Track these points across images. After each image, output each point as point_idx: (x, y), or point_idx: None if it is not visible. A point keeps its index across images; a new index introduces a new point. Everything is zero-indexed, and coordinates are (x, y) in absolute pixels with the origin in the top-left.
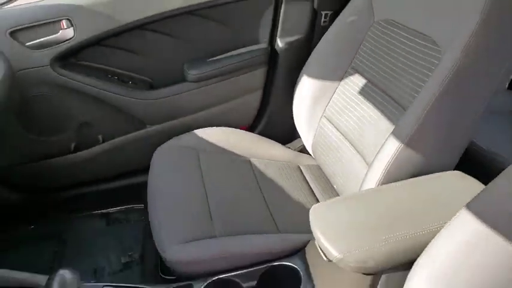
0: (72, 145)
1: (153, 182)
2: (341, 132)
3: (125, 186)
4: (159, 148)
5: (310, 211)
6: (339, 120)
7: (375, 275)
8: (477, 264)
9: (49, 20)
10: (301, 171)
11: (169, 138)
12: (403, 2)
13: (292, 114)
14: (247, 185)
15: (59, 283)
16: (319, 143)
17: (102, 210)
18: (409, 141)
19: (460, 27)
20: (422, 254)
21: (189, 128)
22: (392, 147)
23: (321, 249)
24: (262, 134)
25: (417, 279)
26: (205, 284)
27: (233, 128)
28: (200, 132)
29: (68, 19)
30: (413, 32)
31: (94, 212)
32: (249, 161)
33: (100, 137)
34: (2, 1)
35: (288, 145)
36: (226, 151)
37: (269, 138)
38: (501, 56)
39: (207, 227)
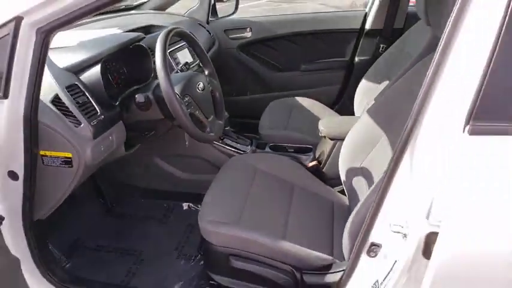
0: (233, 93)
1: (266, 111)
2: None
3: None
4: (273, 101)
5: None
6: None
7: (335, 141)
8: (364, 132)
9: (242, 27)
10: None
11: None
12: (419, 42)
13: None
14: None
15: None
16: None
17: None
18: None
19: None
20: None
21: (293, 96)
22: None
23: (320, 131)
24: (336, 109)
25: (344, 142)
26: (270, 144)
27: (314, 100)
28: (297, 98)
29: (250, 27)
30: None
31: None
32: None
33: (248, 92)
34: (224, 14)
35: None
36: (304, 108)
37: (340, 112)
38: None
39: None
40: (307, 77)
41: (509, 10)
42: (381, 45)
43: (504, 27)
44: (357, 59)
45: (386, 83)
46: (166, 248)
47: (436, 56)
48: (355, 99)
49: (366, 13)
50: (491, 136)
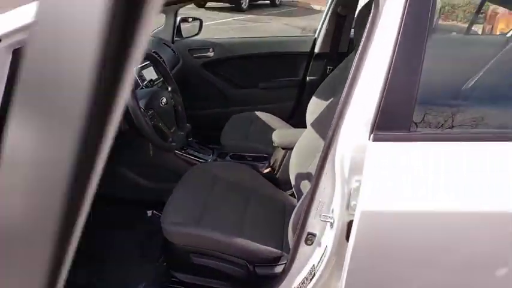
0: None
1: (227, 123)
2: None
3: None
4: (234, 115)
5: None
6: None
7: (286, 150)
8: (309, 141)
9: (205, 47)
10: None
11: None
12: None
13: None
14: None
15: None
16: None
17: None
18: None
19: None
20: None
21: (252, 110)
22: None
23: (273, 141)
24: (291, 122)
25: (293, 151)
26: (231, 154)
27: (271, 115)
28: (257, 112)
29: (212, 48)
30: None
31: None
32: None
33: (227, 105)
34: (188, 35)
35: None
36: (262, 121)
37: (294, 126)
38: None
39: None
40: (265, 93)
41: (397, 45)
42: (328, 67)
43: (394, 59)
44: (308, 78)
45: (331, 99)
46: (130, 252)
47: (349, 77)
48: (306, 113)
49: (315, 38)
50: (389, 142)
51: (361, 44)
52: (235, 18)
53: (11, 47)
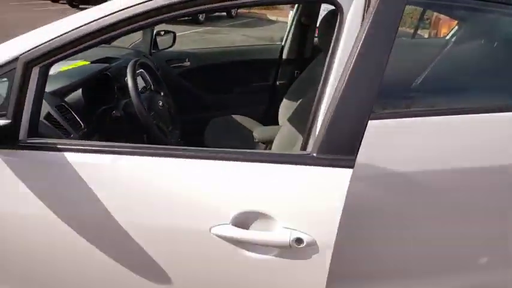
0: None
1: (208, 127)
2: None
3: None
4: (213, 119)
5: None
6: None
7: (267, 145)
8: (286, 135)
9: (181, 57)
10: None
11: None
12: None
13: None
14: None
15: None
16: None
17: None
18: None
19: None
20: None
21: (229, 114)
22: None
23: (255, 138)
24: (264, 123)
25: (273, 145)
26: None
27: (246, 117)
28: (234, 116)
29: (188, 58)
30: None
31: None
32: None
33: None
34: (163, 47)
35: None
36: (239, 123)
37: (267, 125)
38: None
39: None
40: (239, 98)
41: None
42: (296, 71)
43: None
44: (277, 83)
45: (302, 99)
46: None
47: (322, 78)
48: (279, 113)
49: (282, 46)
50: None
51: (330, 48)
52: (194, 30)
53: None
